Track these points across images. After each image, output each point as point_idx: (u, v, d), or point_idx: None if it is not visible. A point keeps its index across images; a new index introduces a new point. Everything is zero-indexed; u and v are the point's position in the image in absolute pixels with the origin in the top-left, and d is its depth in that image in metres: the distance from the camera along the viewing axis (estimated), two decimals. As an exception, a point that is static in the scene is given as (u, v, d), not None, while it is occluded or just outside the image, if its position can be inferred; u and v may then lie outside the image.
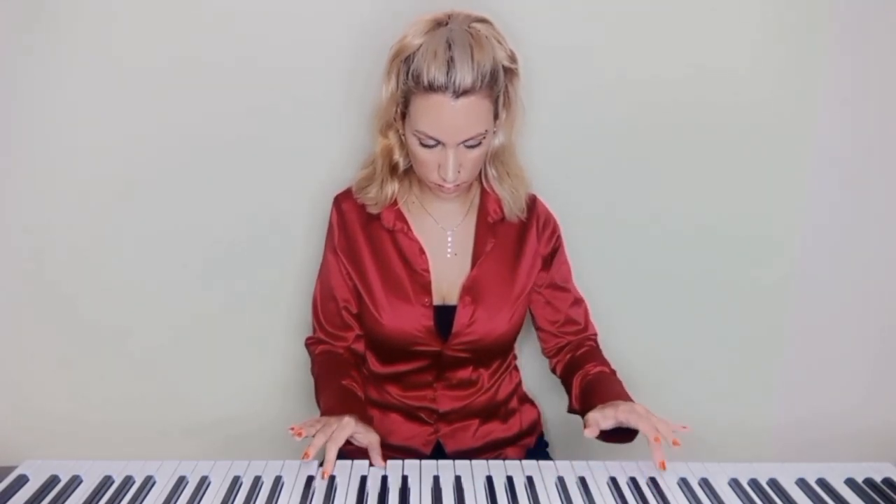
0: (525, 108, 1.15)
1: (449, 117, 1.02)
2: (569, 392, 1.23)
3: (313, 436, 0.99)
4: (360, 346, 1.25)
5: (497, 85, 1.05)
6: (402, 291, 1.17)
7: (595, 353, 1.26)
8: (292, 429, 1.01)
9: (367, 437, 1.04)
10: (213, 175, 1.35)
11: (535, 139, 1.31)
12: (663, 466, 1.00)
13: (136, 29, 1.26)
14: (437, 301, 1.19)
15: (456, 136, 1.04)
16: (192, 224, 1.37)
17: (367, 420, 1.08)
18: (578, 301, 1.29)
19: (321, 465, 0.99)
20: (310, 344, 1.28)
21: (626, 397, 1.12)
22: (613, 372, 1.23)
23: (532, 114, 1.22)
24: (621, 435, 1.06)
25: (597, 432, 1.03)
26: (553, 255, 1.25)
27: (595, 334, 1.31)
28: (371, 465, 1.04)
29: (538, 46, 1.24)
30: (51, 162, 1.32)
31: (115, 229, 1.36)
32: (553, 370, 1.30)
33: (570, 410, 1.22)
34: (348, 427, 1.01)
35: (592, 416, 1.05)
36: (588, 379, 1.19)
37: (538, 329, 1.30)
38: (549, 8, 1.28)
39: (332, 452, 0.98)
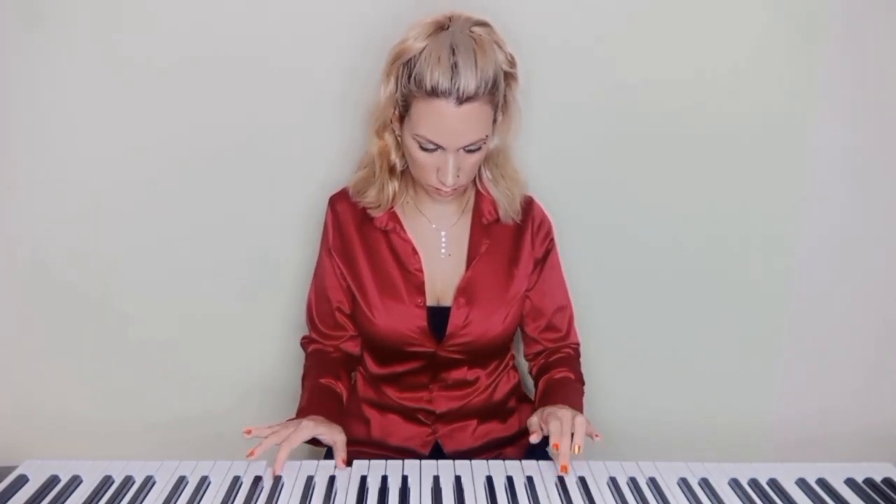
0: (522, 111, 1.14)
1: (451, 123, 1.02)
2: (534, 395, 1.24)
3: (266, 437, 1.01)
4: (351, 347, 1.25)
5: (498, 90, 1.05)
6: (395, 292, 1.17)
7: (567, 360, 1.25)
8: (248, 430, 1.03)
9: (332, 437, 1.06)
10: (210, 175, 1.35)
11: (532, 141, 1.30)
12: (565, 470, 0.99)
13: (135, 30, 1.26)
14: (431, 302, 1.18)
15: (457, 141, 1.04)
16: (189, 224, 1.37)
17: (337, 418, 1.10)
18: (563, 308, 1.27)
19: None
20: (304, 344, 1.28)
21: (576, 404, 1.12)
22: (579, 381, 1.23)
23: (529, 116, 1.21)
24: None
25: (541, 437, 1.03)
26: (545, 258, 1.25)
27: (576, 343, 1.29)
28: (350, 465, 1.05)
29: (536, 49, 1.24)
30: (52, 162, 1.32)
31: (114, 231, 1.36)
32: (530, 372, 1.30)
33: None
34: (305, 430, 1.03)
35: (532, 420, 1.07)
36: (550, 383, 1.20)
37: (521, 331, 1.29)
38: (547, 10, 1.28)
39: (283, 452, 1.00)
